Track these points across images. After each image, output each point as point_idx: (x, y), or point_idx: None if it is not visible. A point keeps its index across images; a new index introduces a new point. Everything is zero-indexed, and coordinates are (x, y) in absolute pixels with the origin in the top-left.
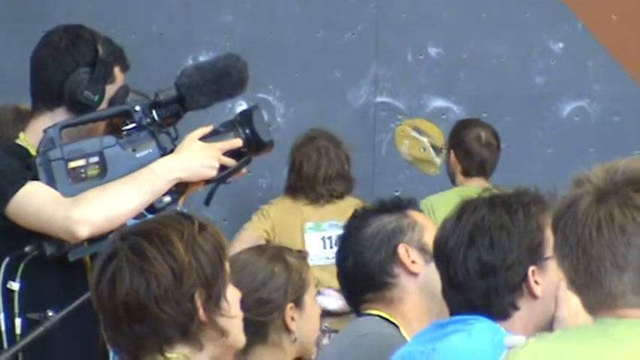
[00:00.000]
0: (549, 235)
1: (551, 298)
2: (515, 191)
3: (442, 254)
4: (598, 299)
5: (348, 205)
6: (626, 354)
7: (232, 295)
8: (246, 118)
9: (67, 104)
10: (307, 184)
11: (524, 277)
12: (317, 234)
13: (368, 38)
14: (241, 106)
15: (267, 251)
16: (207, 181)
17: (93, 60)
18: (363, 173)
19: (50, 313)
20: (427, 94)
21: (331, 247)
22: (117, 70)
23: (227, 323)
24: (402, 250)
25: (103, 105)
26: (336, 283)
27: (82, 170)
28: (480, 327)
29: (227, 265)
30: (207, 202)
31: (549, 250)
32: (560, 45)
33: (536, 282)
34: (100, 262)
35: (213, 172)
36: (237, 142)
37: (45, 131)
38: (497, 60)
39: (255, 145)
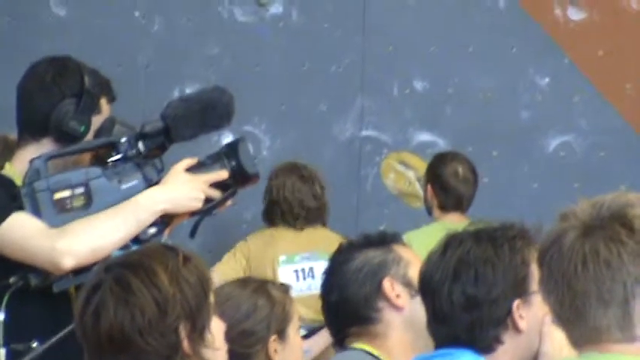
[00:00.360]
0: (534, 270)
1: (535, 332)
2: (501, 225)
3: (427, 288)
4: (583, 334)
5: (321, 237)
6: None
7: (217, 327)
8: (232, 150)
9: (53, 135)
10: (285, 204)
11: (509, 312)
12: (289, 266)
13: (354, 71)
14: (227, 138)
15: (251, 284)
16: (193, 213)
17: (79, 91)
18: (347, 207)
19: (34, 344)
20: (413, 127)
21: (304, 279)
22: (103, 101)
23: (211, 355)
24: (387, 284)
25: (89, 136)
26: (310, 315)
27: (68, 201)
28: None
29: (212, 297)
30: (193, 234)
31: (534, 284)
32: (547, 80)
33: (520, 316)
34: (84, 294)
35: (198, 204)
36: (222, 174)
37: (31, 162)
38: (483, 94)
39: (240, 177)
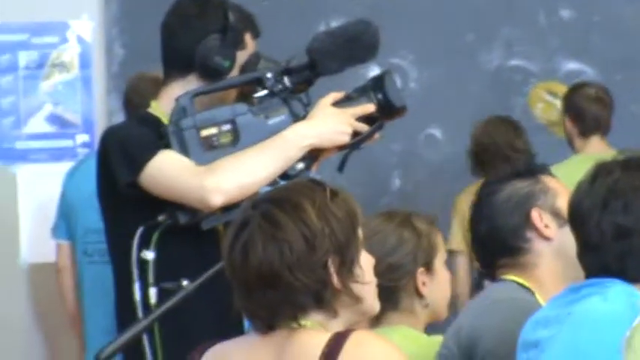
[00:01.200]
0: None
1: None
2: None
3: (576, 217)
4: None
5: None
6: None
7: (366, 262)
8: (378, 83)
9: (198, 71)
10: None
11: None
12: None
13: (500, 0)
14: (373, 71)
15: (396, 217)
16: (340, 148)
17: (223, 26)
18: None
19: (184, 283)
20: (560, 56)
21: None
22: (247, 36)
23: (361, 290)
24: (535, 214)
25: (234, 72)
26: None
27: (215, 138)
28: (616, 290)
29: (360, 232)
30: (341, 168)
31: None
32: None
33: None
34: (233, 231)
35: (346, 138)
36: (369, 108)
37: (177, 100)
38: (631, 21)
39: (387, 110)
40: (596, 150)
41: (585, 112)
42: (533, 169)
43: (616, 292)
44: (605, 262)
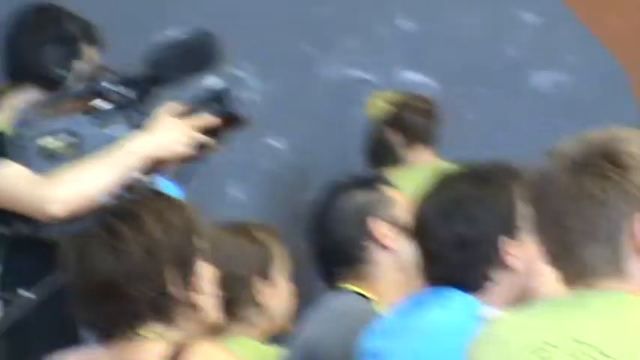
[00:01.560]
0: (524, 208)
1: (526, 270)
2: (490, 164)
3: (418, 227)
4: (573, 270)
5: None
6: (602, 325)
7: (205, 272)
8: (220, 94)
9: (37, 81)
10: None
11: (499, 250)
12: None
13: (339, 12)
14: (214, 82)
15: (235, 227)
16: (183, 159)
17: (62, 36)
18: (335, 149)
19: (26, 293)
20: (399, 67)
21: None
22: (86, 46)
23: (200, 300)
24: (373, 223)
25: (73, 82)
26: None
27: (55, 148)
28: (456, 300)
29: (200, 242)
30: (184, 179)
31: (524, 222)
32: (533, 16)
33: (511, 254)
34: (73, 241)
35: (185, 148)
36: (211, 119)
37: (16, 110)
38: (469, 31)
39: (229, 122)
40: (422, 160)
41: (409, 122)
42: (373, 179)
43: (456, 302)
44: (446, 272)
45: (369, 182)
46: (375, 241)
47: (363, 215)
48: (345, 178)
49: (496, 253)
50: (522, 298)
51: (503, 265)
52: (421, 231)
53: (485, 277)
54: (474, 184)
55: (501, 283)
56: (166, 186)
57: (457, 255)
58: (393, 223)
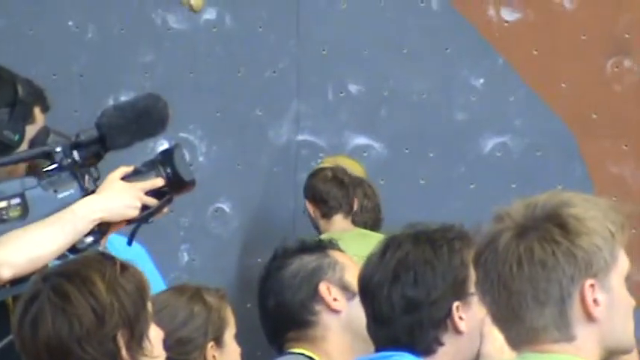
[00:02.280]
0: (473, 271)
1: (475, 333)
2: (440, 227)
3: (367, 290)
4: (520, 334)
5: None
6: None
7: (155, 335)
8: (167, 157)
9: None
10: None
11: (449, 313)
12: None
13: (288, 76)
14: (163, 145)
15: (186, 291)
16: (129, 221)
17: (13, 100)
18: (284, 212)
19: None
20: (349, 131)
21: None
22: (37, 110)
23: None
24: (323, 287)
25: (24, 146)
26: None
27: (4, 212)
28: None
29: (149, 305)
30: (130, 242)
31: (473, 285)
32: (482, 80)
33: (460, 317)
34: (22, 304)
35: (135, 212)
36: (158, 182)
37: None
38: (418, 96)
39: (176, 184)
40: (340, 229)
41: (323, 194)
42: (321, 244)
43: None
44: (394, 334)
45: (319, 247)
46: (325, 305)
47: (313, 280)
48: (294, 242)
49: (446, 316)
50: None
51: (453, 329)
52: (371, 294)
53: (435, 341)
54: (424, 247)
55: (450, 346)
56: (125, 243)
57: (406, 318)
58: (343, 287)
